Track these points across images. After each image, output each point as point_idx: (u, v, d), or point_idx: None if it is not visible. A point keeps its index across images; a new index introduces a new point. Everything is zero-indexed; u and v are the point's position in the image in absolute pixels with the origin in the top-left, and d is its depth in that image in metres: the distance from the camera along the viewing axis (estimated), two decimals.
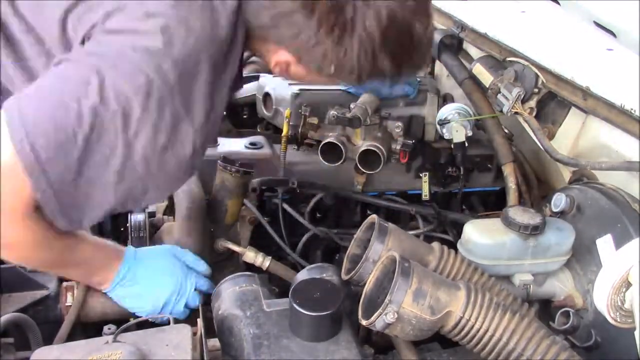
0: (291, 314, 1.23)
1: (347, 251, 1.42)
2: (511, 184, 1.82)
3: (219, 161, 1.68)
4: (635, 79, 1.44)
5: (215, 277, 1.71)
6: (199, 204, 1.61)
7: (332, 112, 1.84)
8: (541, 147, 1.68)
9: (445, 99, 2.17)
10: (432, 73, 2.51)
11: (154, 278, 1.40)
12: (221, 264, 1.78)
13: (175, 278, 1.42)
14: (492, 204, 2.13)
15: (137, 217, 1.66)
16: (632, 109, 1.42)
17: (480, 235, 1.43)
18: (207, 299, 1.44)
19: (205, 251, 1.59)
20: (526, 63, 1.73)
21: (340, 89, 2.01)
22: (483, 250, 1.42)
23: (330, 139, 1.83)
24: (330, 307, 1.21)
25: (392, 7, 1.20)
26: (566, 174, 1.78)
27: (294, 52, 1.26)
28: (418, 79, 2.08)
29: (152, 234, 1.66)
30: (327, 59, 1.23)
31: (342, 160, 1.85)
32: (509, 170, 1.84)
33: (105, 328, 1.24)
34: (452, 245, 1.46)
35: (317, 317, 1.20)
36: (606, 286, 1.09)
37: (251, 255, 1.65)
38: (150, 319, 1.36)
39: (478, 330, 1.19)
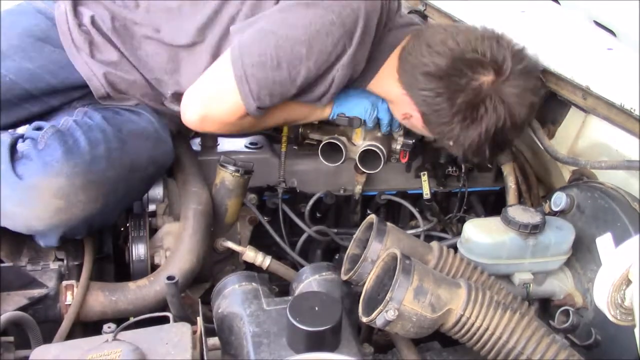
0: (288, 330, 1.18)
1: (347, 251, 1.42)
2: (511, 183, 1.82)
3: (219, 161, 1.68)
4: (635, 78, 1.44)
5: (215, 277, 1.72)
6: (205, 206, 1.61)
7: None
8: (541, 146, 1.68)
9: None
10: None
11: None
12: (221, 264, 1.78)
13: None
14: (492, 204, 2.12)
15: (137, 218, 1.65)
16: (632, 108, 1.42)
17: (480, 234, 1.43)
18: (207, 297, 1.44)
19: (206, 251, 1.59)
20: None
21: None
22: (483, 249, 1.43)
23: (330, 139, 1.83)
24: (330, 321, 1.14)
25: (512, 106, 1.47)
26: (566, 173, 1.78)
27: (424, 116, 1.56)
28: None
29: (152, 234, 1.66)
30: (448, 135, 1.53)
31: (342, 160, 1.85)
32: (508, 170, 1.84)
33: (105, 327, 1.23)
34: (452, 245, 1.47)
35: (317, 332, 1.13)
36: (606, 284, 1.09)
37: (251, 255, 1.65)
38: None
39: (478, 329, 1.19)
